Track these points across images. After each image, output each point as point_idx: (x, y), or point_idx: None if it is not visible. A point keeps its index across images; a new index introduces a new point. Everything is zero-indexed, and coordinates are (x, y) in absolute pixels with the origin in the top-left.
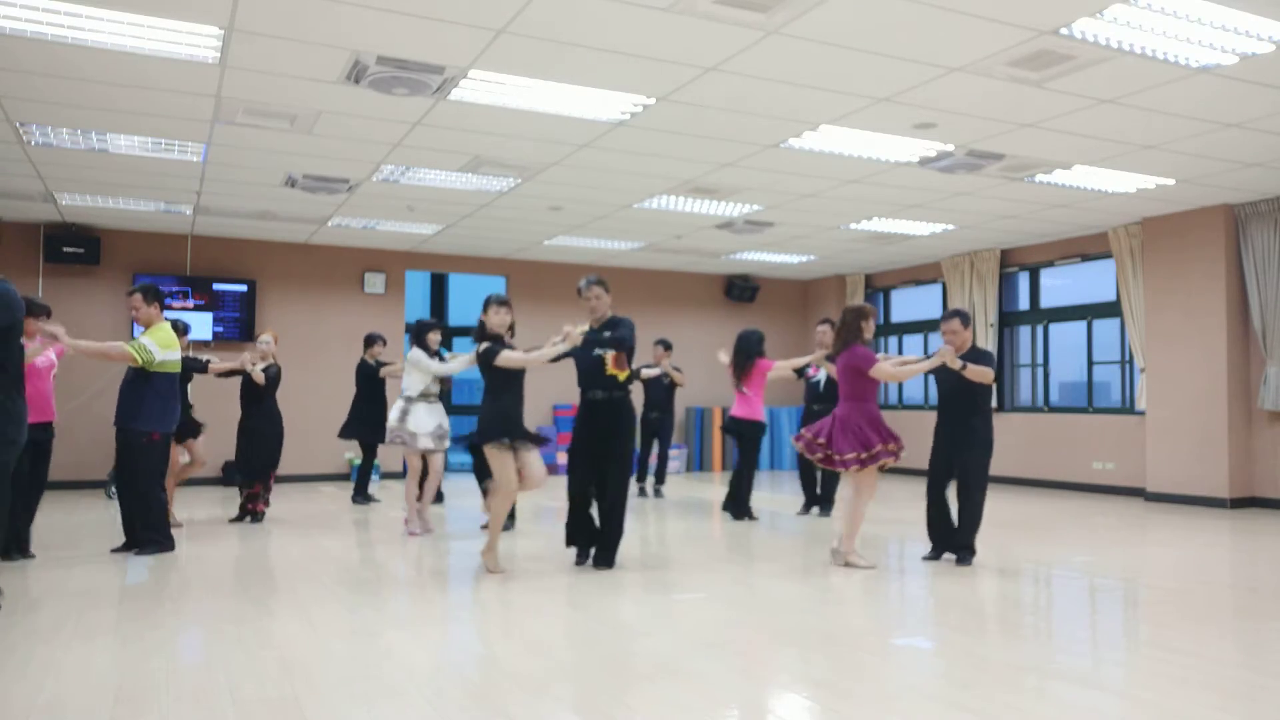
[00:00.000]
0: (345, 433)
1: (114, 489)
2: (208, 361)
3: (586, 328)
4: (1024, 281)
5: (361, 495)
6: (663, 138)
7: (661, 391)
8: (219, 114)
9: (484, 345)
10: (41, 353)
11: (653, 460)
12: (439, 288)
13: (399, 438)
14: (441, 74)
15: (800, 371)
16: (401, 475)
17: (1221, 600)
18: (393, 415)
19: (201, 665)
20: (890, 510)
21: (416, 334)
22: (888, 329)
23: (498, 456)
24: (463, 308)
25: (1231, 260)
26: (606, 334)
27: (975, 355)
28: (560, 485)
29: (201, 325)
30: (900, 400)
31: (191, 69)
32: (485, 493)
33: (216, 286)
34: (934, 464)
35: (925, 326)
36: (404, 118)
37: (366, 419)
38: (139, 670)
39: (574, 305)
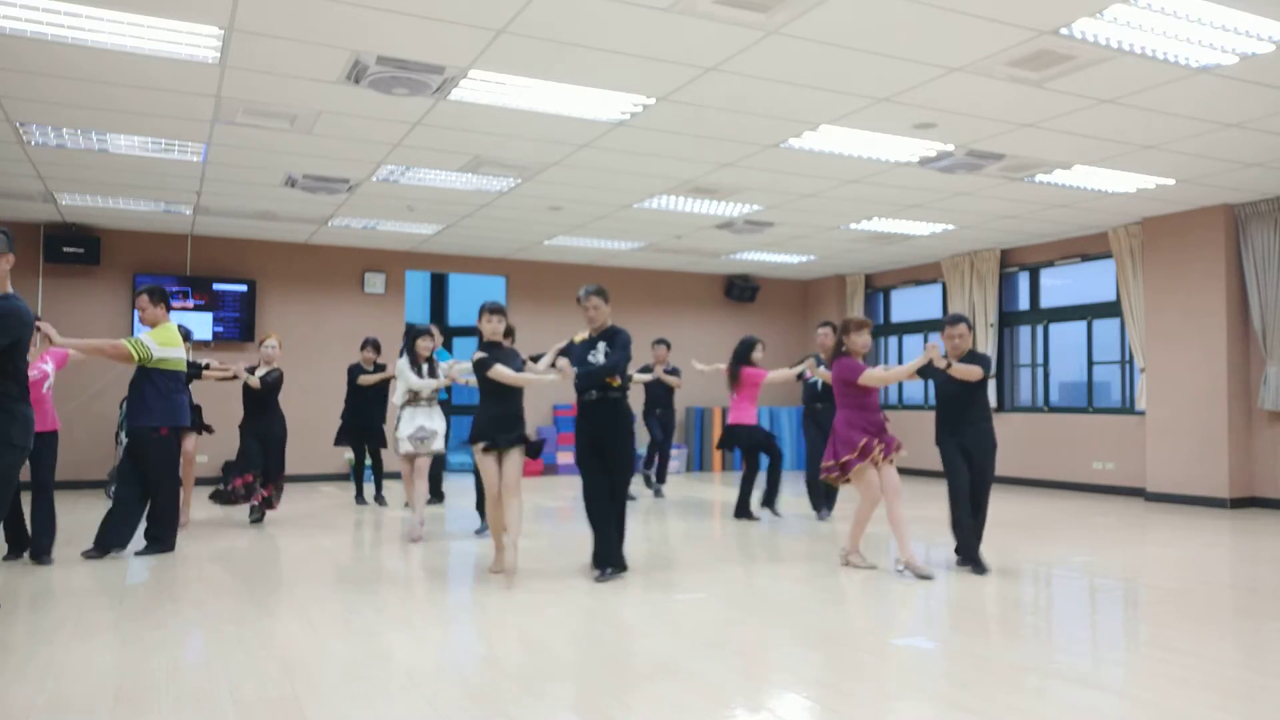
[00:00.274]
0: (339, 439)
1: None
2: (205, 366)
3: (586, 335)
4: (1024, 281)
5: (361, 497)
6: (663, 138)
7: (661, 391)
8: (219, 114)
9: (478, 355)
10: (32, 364)
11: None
12: (439, 288)
13: (397, 443)
14: (441, 74)
15: (800, 377)
16: (400, 477)
17: (1221, 600)
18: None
19: (201, 665)
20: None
21: (406, 342)
22: (888, 329)
23: (481, 460)
24: (463, 308)
25: (1231, 260)
26: (601, 343)
27: (971, 358)
28: (560, 485)
29: (201, 325)
30: (900, 400)
31: (191, 69)
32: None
33: (216, 286)
34: (957, 472)
35: (925, 327)
36: (404, 118)
37: (355, 422)
38: (139, 670)
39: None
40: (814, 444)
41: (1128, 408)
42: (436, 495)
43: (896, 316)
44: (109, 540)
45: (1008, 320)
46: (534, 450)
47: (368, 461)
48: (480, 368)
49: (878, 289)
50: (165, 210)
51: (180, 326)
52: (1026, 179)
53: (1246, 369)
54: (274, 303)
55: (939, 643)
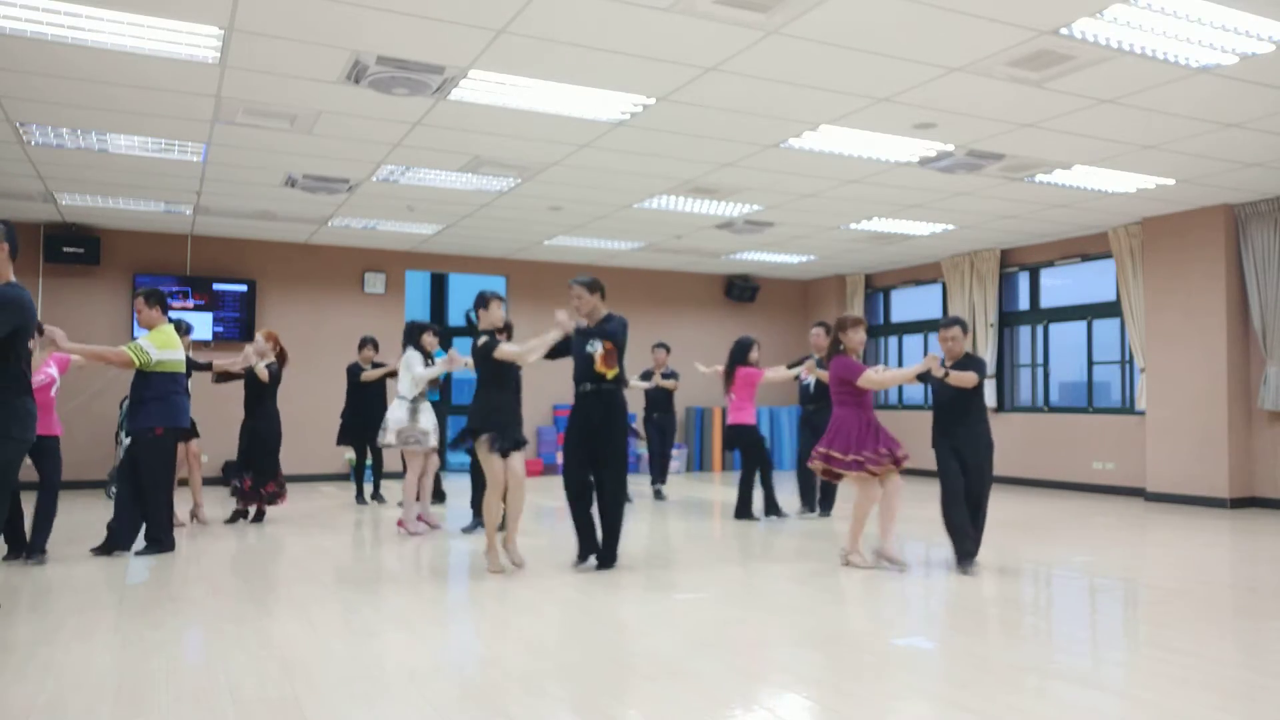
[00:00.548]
0: (341, 438)
1: (114, 489)
2: (209, 363)
3: (584, 327)
4: (1024, 281)
5: (362, 497)
6: (663, 138)
7: (660, 394)
8: (219, 114)
9: (482, 339)
10: (38, 368)
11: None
12: (439, 288)
13: (412, 438)
14: (441, 74)
15: (796, 376)
16: (400, 475)
17: (1221, 600)
18: (401, 416)
19: (201, 665)
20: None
21: (413, 336)
22: (888, 329)
23: (486, 453)
24: (462, 308)
25: (1231, 260)
26: (571, 321)
27: (967, 361)
28: (560, 485)
29: (201, 325)
30: (900, 401)
31: (191, 69)
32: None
33: (216, 286)
34: (950, 473)
35: (925, 327)
36: (404, 118)
37: (357, 422)
38: (139, 670)
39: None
40: (806, 446)
41: (1128, 408)
42: (437, 494)
43: (896, 316)
44: (114, 541)
45: (1008, 320)
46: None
47: (368, 461)
48: (487, 349)
49: (878, 289)
50: (165, 210)
51: (181, 321)
52: (1026, 179)
53: (1246, 369)
54: (274, 303)
55: (939, 643)
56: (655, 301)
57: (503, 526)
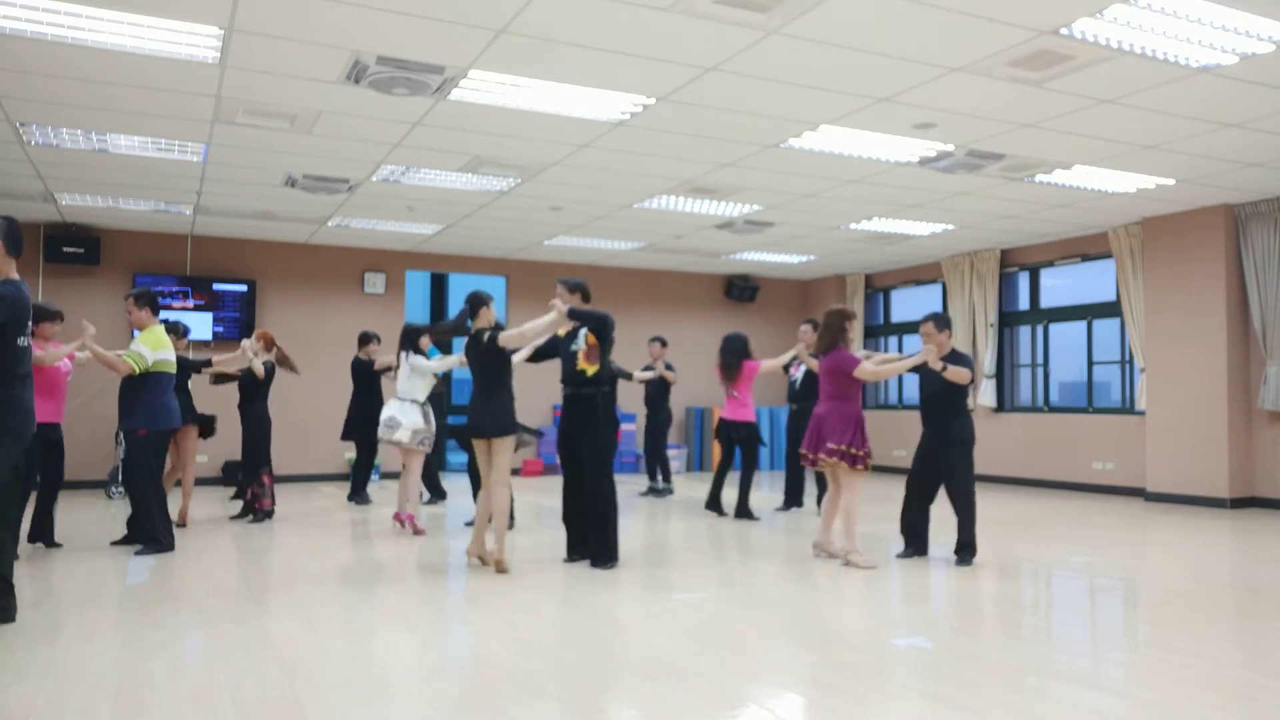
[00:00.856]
0: (346, 434)
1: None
2: (208, 360)
3: (567, 329)
4: (1024, 281)
5: (358, 495)
6: (663, 138)
7: (657, 389)
8: (219, 114)
9: (487, 334)
10: (61, 357)
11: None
12: (439, 288)
13: (425, 439)
14: (441, 74)
15: (786, 367)
16: (398, 475)
17: (1221, 600)
18: (416, 419)
19: (201, 665)
20: (886, 508)
21: (410, 340)
22: (888, 329)
23: (506, 450)
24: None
25: (1231, 260)
26: (583, 332)
27: (954, 357)
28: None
29: (201, 325)
30: (901, 400)
31: (191, 69)
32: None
33: (216, 286)
34: (916, 465)
35: (945, 326)
36: (404, 118)
37: (363, 418)
38: (139, 670)
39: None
40: (795, 442)
41: (1128, 408)
42: (438, 493)
43: (896, 316)
44: (136, 535)
45: (1008, 320)
46: (533, 439)
47: (377, 460)
48: (493, 339)
49: (878, 289)
50: (165, 210)
51: (179, 323)
52: (1026, 179)
53: (1246, 369)
54: (274, 303)
55: (939, 643)
56: (655, 301)
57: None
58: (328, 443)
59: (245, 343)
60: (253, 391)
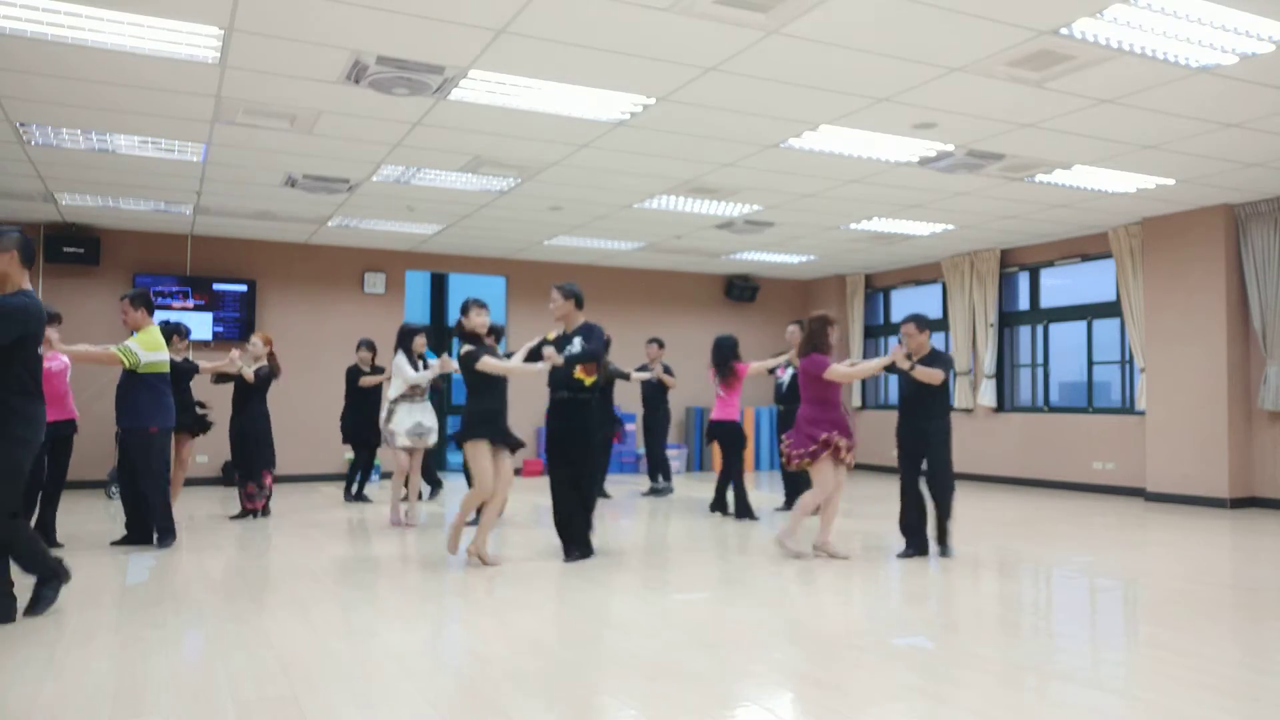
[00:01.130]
0: (345, 437)
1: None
2: (197, 365)
3: (558, 333)
4: (1024, 281)
5: (353, 494)
6: (663, 138)
7: (654, 390)
8: (219, 114)
9: (466, 349)
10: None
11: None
12: (439, 288)
13: (387, 438)
14: (441, 74)
15: (772, 370)
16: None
17: (1222, 600)
18: (403, 417)
19: (201, 665)
20: (887, 507)
21: (404, 340)
22: (888, 329)
23: (475, 454)
24: None
25: (1231, 260)
26: (577, 339)
27: (932, 358)
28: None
29: (201, 325)
30: (886, 401)
31: (191, 69)
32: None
33: (216, 286)
34: (903, 464)
35: (925, 327)
36: (404, 118)
37: (356, 421)
38: (139, 670)
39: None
40: None
41: (1128, 408)
42: (435, 484)
43: (896, 316)
44: (135, 536)
45: (1008, 320)
46: (516, 448)
47: (375, 461)
48: (469, 360)
49: (878, 289)
50: (165, 210)
51: (179, 324)
52: (1026, 179)
53: (1246, 369)
54: (274, 303)
55: (939, 643)
56: (655, 301)
57: (474, 521)
58: (328, 443)
59: (234, 352)
60: (250, 392)
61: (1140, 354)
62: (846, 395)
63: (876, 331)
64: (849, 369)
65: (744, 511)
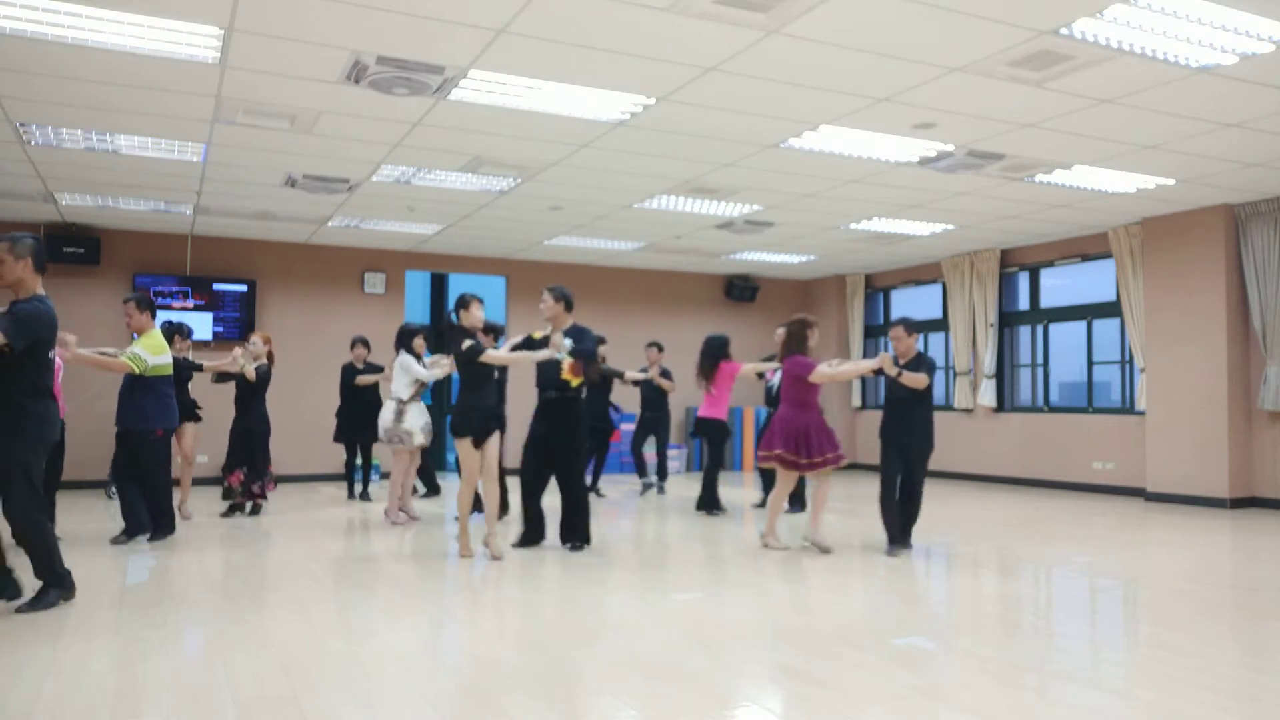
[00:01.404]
0: (338, 436)
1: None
2: (200, 365)
3: (546, 333)
4: (1024, 281)
5: (351, 494)
6: (663, 138)
7: (654, 392)
8: (219, 114)
9: (468, 343)
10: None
11: (652, 458)
12: (439, 288)
13: (396, 437)
14: (441, 74)
15: (761, 374)
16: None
17: (1222, 600)
18: (388, 416)
19: (201, 665)
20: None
21: (404, 340)
22: (888, 329)
23: (463, 448)
24: None
25: (1231, 260)
26: (568, 341)
27: (917, 362)
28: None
29: (201, 325)
30: (879, 402)
31: (191, 69)
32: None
33: (216, 286)
34: (887, 465)
35: (925, 327)
36: (404, 118)
37: (351, 421)
38: (139, 670)
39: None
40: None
41: (1128, 408)
42: (434, 487)
43: (897, 316)
44: (134, 529)
45: (1008, 320)
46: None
47: (359, 460)
48: (472, 353)
49: (878, 289)
50: (165, 210)
51: (181, 325)
52: (1026, 179)
53: (1246, 369)
54: (274, 303)
55: (939, 643)
56: (655, 301)
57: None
58: (328, 443)
59: (237, 350)
60: (250, 391)
61: (1140, 354)
62: (847, 396)
63: (876, 331)
64: (832, 371)
65: (708, 504)
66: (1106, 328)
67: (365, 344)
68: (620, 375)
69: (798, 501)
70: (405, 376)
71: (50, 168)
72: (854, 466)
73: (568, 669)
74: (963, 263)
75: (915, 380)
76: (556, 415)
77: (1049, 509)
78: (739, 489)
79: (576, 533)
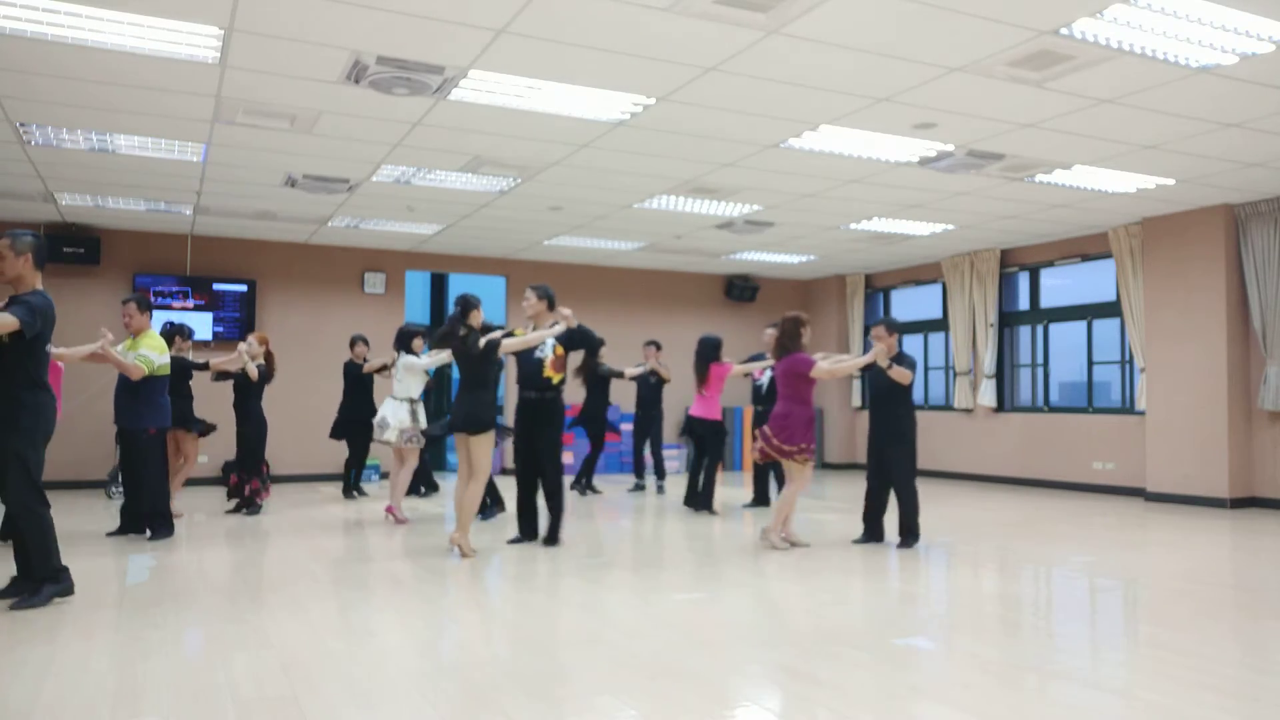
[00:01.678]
0: (335, 432)
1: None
2: (206, 363)
3: (529, 330)
4: (1024, 281)
5: (352, 490)
6: (663, 138)
7: (649, 390)
8: (219, 114)
9: (487, 337)
10: (79, 358)
11: (649, 458)
12: (439, 288)
13: (413, 437)
14: (441, 74)
15: (748, 373)
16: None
17: (1222, 600)
18: (404, 418)
19: (201, 665)
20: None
21: (404, 341)
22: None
23: (486, 444)
24: None
25: (1231, 260)
26: (550, 340)
27: (900, 359)
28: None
29: (202, 325)
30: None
31: (191, 69)
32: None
33: (216, 286)
34: (871, 461)
35: (925, 327)
36: (404, 118)
37: (353, 418)
38: (139, 670)
39: (573, 306)
40: None
41: (1128, 408)
42: (431, 487)
43: (896, 316)
44: (130, 527)
45: (1008, 320)
46: (504, 435)
47: (371, 460)
48: (492, 346)
49: (878, 289)
50: (165, 210)
51: (183, 326)
52: (1026, 179)
53: (1246, 369)
54: (274, 303)
55: (939, 643)
56: (655, 301)
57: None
58: (327, 443)
59: (242, 346)
60: (249, 391)
61: (1140, 354)
62: (847, 396)
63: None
64: (832, 367)
65: (705, 504)
66: (1106, 328)
67: (365, 342)
68: (620, 374)
69: (762, 499)
70: (413, 375)
71: (50, 168)
72: (855, 466)
73: (568, 669)
74: (963, 263)
75: (903, 374)
76: (536, 415)
77: (1049, 509)
78: (738, 489)
79: (551, 531)
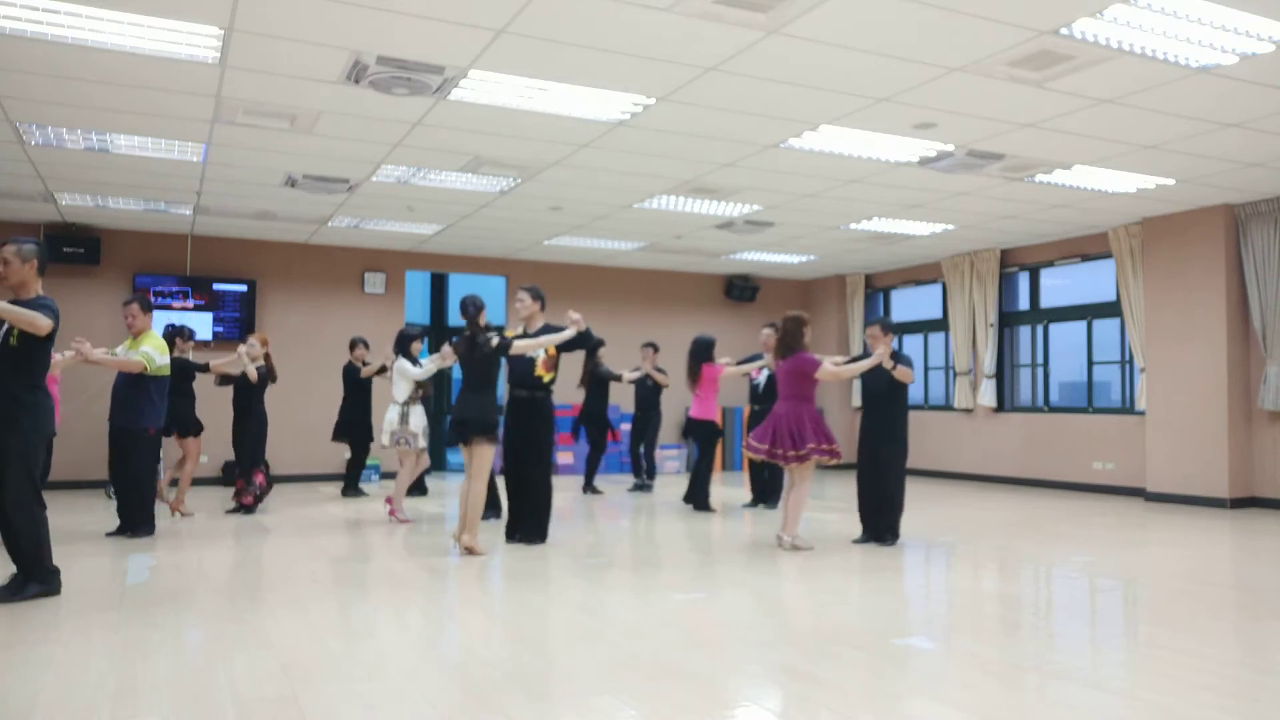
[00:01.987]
0: (336, 435)
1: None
2: (206, 364)
3: (519, 332)
4: (1024, 281)
5: (350, 489)
6: (663, 138)
7: (647, 392)
8: (219, 114)
9: (497, 340)
10: (60, 368)
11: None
12: (439, 288)
13: (402, 439)
14: (441, 74)
15: (745, 373)
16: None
17: (1222, 600)
18: (393, 419)
19: (201, 665)
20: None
21: (402, 345)
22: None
23: (489, 446)
24: None
25: (1231, 260)
26: (544, 339)
27: (896, 358)
28: (560, 485)
29: (201, 325)
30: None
31: (191, 69)
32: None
33: (216, 286)
34: (862, 457)
35: (925, 327)
36: (404, 118)
37: (353, 420)
38: (139, 670)
39: (573, 306)
40: None
41: (1128, 408)
42: (419, 489)
43: (896, 316)
44: (128, 525)
45: (1008, 320)
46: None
47: (371, 460)
48: (504, 348)
49: (878, 289)
50: (165, 210)
51: (183, 327)
52: (1026, 179)
53: (1246, 369)
54: (274, 303)
55: (939, 643)
56: (655, 301)
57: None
58: (327, 443)
59: (242, 348)
60: (250, 392)
61: (1140, 354)
62: (848, 396)
63: None
64: (837, 369)
65: (700, 504)
66: (1106, 328)
67: (364, 345)
68: (618, 378)
69: (774, 497)
70: (403, 381)
71: (50, 168)
72: (854, 466)
73: (568, 669)
74: (963, 263)
75: (905, 374)
76: (526, 413)
77: (1049, 509)
78: (738, 489)
79: (528, 529)
